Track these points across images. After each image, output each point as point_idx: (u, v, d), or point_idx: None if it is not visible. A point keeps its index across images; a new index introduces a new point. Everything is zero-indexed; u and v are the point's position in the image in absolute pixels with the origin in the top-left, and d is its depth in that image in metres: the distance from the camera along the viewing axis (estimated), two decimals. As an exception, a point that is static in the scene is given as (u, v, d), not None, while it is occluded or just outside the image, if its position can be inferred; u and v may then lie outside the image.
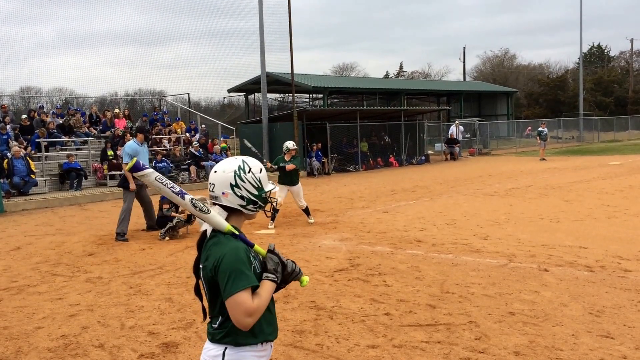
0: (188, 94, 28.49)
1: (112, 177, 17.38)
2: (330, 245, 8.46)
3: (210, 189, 2.32)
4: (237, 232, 2.24)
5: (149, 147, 16.38)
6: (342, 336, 4.70)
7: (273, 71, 28.74)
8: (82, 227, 11.29)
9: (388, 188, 16.55)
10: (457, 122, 31.40)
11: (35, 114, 19.37)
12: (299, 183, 10.63)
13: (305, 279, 2.42)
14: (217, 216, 2.23)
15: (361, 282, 6.32)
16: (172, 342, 4.71)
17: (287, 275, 2.32)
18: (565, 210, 10.97)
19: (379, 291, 5.95)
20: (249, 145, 11.89)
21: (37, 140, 17.50)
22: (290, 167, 10.41)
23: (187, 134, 22.10)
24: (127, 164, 9.26)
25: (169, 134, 21.95)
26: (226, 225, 2.22)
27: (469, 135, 33.18)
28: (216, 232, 2.24)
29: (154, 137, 20.51)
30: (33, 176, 15.84)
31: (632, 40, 62.56)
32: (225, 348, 2.23)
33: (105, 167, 17.95)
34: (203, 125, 24.49)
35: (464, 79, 61.89)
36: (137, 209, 10.36)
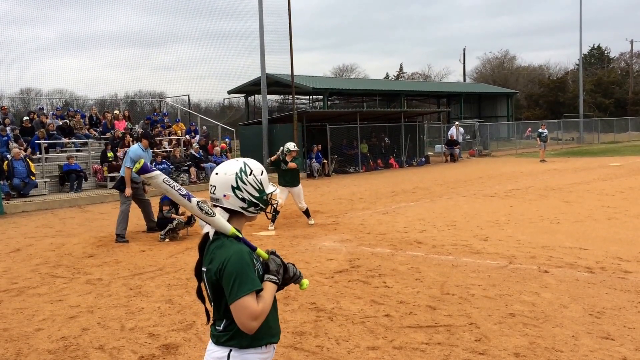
0: (188, 95, 28.45)
1: (112, 179, 17.35)
2: (330, 247, 8.46)
3: (212, 191, 2.31)
4: (240, 235, 2.24)
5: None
6: (342, 338, 4.70)
7: (273, 72, 28.75)
8: (82, 228, 11.28)
9: (388, 189, 16.55)
10: (457, 123, 31.40)
11: (35, 116, 19.37)
12: (300, 184, 10.63)
13: (305, 282, 2.42)
14: (222, 219, 2.23)
15: (361, 284, 6.32)
16: (172, 344, 4.70)
17: (288, 278, 2.33)
18: (565, 211, 10.97)
19: (379, 293, 5.95)
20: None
21: (37, 141, 17.51)
22: (292, 165, 10.45)
23: (187, 136, 22.11)
24: (129, 167, 9.30)
25: (169, 136, 21.95)
26: (230, 229, 2.22)
27: (469, 137, 33.17)
28: (219, 234, 2.24)
29: (154, 139, 20.51)
30: (33, 178, 15.84)
31: (631, 42, 62.70)
32: (230, 350, 2.23)
33: (105, 168, 17.95)
34: (204, 127, 24.50)
35: (464, 80, 61.95)
36: (138, 210, 10.37)
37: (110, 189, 16.95)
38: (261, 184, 2.33)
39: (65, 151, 18.59)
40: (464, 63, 69.32)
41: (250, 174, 2.31)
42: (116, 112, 22.01)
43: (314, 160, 22.52)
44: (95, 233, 10.53)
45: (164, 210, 9.80)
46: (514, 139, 37.87)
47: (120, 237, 9.46)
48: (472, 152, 32.24)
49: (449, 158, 28.77)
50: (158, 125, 22.65)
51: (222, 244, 2.21)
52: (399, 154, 27.20)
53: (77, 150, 19.16)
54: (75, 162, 17.61)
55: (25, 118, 19.01)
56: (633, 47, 63.29)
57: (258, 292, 2.15)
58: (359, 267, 7.10)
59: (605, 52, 68.86)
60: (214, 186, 2.30)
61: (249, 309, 2.08)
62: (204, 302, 2.36)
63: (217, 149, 21.36)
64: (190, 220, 9.65)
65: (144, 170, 2.14)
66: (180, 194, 2.20)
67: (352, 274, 6.77)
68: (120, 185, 9.79)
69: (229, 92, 38.06)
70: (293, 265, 2.39)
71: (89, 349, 4.69)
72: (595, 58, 68.32)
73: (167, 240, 9.43)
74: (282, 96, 42.99)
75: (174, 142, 21.48)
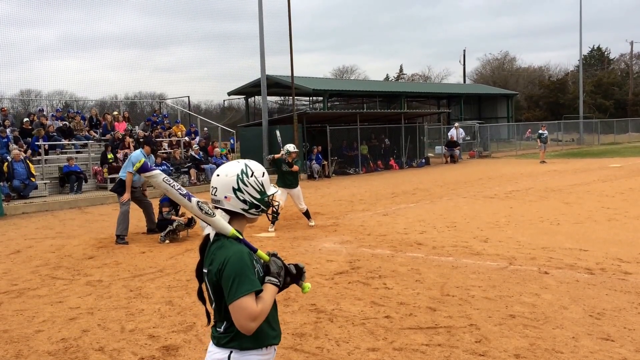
0: (188, 97, 28.46)
1: (113, 180, 17.35)
2: (330, 248, 8.46)
3: (213, 193, 2.31)
4: (241, 237, 2.24)
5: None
6: (343, 339, 4.70)
7: (273, 74, 28.76)
8: (82, 230, 11.29)
9: (388, 191, 16.55)
10: (457, 124, 31.41)
11: (35, 117, 19.38)
12: (299, 186, 10.64)
13: (307, 285, 2.38)
14: (222, 220, 2.23)
15: (361, 285, 6.32)
16: (172, 345, 4.70)
17: (289, 280, 2.33)
18: (565, 212, 10.97)
19: (379, 294, 5.95)
20: (279, 136, 11.91)
21: (36, 143, 17.51)
22: (295, 168, 10.50)
23: (187, 138, 22.11)
24: (131, 172, 9.34)
25: (169, 137, 21.95)
26: (231, 230, 2.21)
27: (469, 138, 33.17)
28: (220, 236, 2.24)
29: (156, 145, 20.52)
30: (33, 179, 15.84)
31: (632, 43, 62.69)
32: (231, 352, 2.23)
33: (105, 170, 17.95)
34: (205, 129, 24.50)
35: (464, 81, 61.95)
36: (138, 211, 10.37)
37: (111, 190, 16.95)
38: (262, 185, 2.33)
39: (65, 153, 18.59)
40: (464, 64, 69.12)
41: (251, 176, 2.30)
42: (115, 113, 22.02)
43: (314, 161, 22.53)
44: (96, 234, 10.53)
45: (164, 212, 9.81)
46: (514, 140, 37.86)
47: (120, 239, 9.47)
48: (472, 153, 32.24)
49: (449, 159, 28.77)
50: (158, 126, 22.66)
51: (222, 244, 2.21)
52: (399, 155, 27.20)
53: (77, 152, 19.17)
54: (75, 163, 17.61)
55: (26, 119, 19.02)
56: (633, 48, 63.40)
57: (258, 293, 2.14)
58: (359, 268, 7.10)
59: (606, 53, 68.95)
60: (215, 188, 2.30)
61: (247, 309, 2.07)
62: (204, 303, 2.36)
63: (217, 150, 21.36)
64: (190, 222, 9.65)
65: (143, 169, 2.16)
66: (180, 193, 2.20)
67: (352, 275, 6.77)
68: (118, 187, 9.84)
69: (229, 94, 38.08)
70: (295, 265, 2.37)
71: (89, 350, 4.69)
72: (596, 59, 68.39)
73: (167, 241, 9.43)
74: (282, 97, 43.00)
75: (174, 143, 21.49)
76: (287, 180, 10.53)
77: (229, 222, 2.27)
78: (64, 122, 20.09)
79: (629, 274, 6.35)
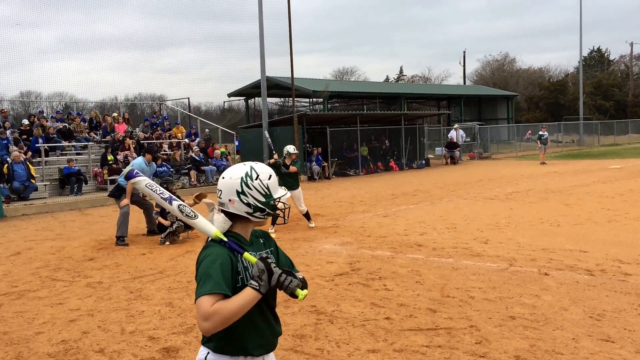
0: (188, 98, 28.36)
1: (113, 182, 17.36)
2: (330, 250, 8.46)
3: (218, 195, 2.29)
4: (225, 239, 2.17)
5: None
6: (343, 340, 4.70)
7: (273, 75, 28.75)
8: (82, 231, 11.29)
9: (388, 192, 16.55)
10: (457, 126, 31.42)
11: (35, 119, 19.39)
12: (299, 187, 10.64)
13: (302, 292, 2.12)
14: (205, 221, 2.22)
15: (362, 287, 6.32)
16: (172, 347, 4.71)
17: (275, 284, 2.08)
18: (565, 214, 10.97)
19: (380, 295, 5.95)
20: (268, 137, 12.03)
21: (37, 145, 17.51)
22: (293, 169, 10.50)
23: (187, 139, 22.11)
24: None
25: (169, 139, 21.96)
26: (214, 231, 2.19)
27: (469, 139, 33.17)
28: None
29: (154, 141, 20.53)
30: (33, 181, 15.85)
31: (631, 44, 62.69)
32: (208, 353, 2.23)
33: (105, 171, 17.96)
34: (206, 130, 24.49)
35: (464, 83, 61.95)
36: (138, 213, 10.38)
37: (107, 196, 16.97)
38: (268, 188, 2.27)
39: (66, 154, 18.59)
40: (464, 66, 69.15)
41: (256, 179, 2.25)
42: (115, 114, 22.03)
43: (314, 163, 22.54)
44: (96, 236, 10.53)
45: (154, 212, 9.81)
46: (514, 141, 37.84)
47: (120, 240, 9.48)
48: (472, 154, 32.25)
49: (449, 161, 28.78)
50: (158, 128, 22.67)
51: (207, 245, 2.22)
52: (399, 156, 27.20)
53: (77, 154, 19.16)
54: (76, 165, 17.62)
55: (25, 121, 19.03)
56: (633, 50, 63.40)
57: (227, 296, 2.06)
58: (359, 269, 7.10)
59: (605, 54, 68.92)
60: (220, 190, 2.27)
61: (201, 308, 2.02)
62: None
63: (218, 151, 21.37)
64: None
65: (129, 177, 2.35)
66: (162, 197, 2.31)
67: (352, 276, 6.77)
68: (116, 191, 9.90)
69: (229, 95, 38.12)
70: (287, 271, 2.10)
71: (89, 352, 4.69)
72: (595, 60, 68.37)
73: (167, 243, 9.43)
74: (282, 99, 43.03)
75: (174, 145, 21.50)
76: (287, 181, 10.52)
77: (234, 225, 2.25)
78: (64, 124, 20.10)
79: (629, 275, 6.35)
